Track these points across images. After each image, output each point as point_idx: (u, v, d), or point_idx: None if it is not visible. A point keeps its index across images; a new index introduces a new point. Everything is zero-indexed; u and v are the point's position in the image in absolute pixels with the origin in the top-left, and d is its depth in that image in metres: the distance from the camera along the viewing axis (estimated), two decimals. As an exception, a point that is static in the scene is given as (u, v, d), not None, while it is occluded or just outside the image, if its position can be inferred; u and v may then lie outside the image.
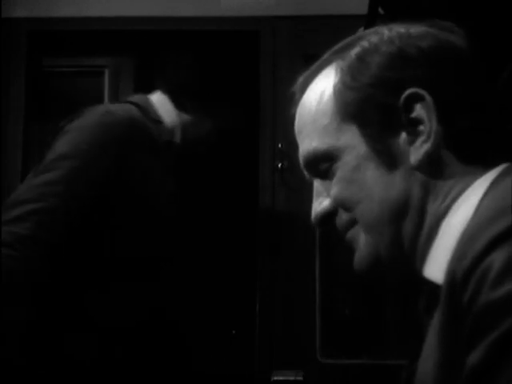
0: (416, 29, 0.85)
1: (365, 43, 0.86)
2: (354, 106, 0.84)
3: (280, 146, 2.37)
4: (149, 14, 2.47)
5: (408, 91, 0.81)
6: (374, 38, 0.87)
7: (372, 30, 0.88)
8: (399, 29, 0.86)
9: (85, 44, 2.53)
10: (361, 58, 0.86)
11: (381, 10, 1.37)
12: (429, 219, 0.82)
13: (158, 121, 1.78)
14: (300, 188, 2.43)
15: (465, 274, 0.68)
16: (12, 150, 2.43)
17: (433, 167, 0.82)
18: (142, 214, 1.66)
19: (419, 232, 0.83)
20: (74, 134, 1.64)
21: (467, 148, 0.81)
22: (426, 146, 0.81)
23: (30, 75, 2.53)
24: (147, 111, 1.77)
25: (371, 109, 0.83)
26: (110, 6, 2.48)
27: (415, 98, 0.81)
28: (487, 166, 0.80)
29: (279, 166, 2.39)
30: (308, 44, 2.55)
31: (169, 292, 1.72)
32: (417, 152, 0.82)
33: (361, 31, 1.44)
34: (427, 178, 0.82)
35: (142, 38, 2.52)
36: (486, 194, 0.76)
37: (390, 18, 1.41)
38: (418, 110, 0.81)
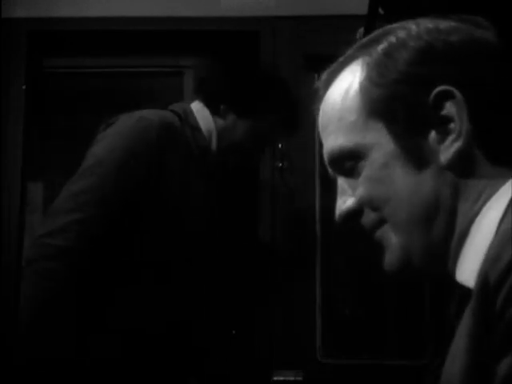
0: (445, 24, 0.82)
1: (392, 38, 0.84)
2: (381, 103, 0.82)
3: (280, 146, 2.37)
4: (151, 14, 2.47)
5: (438, 88, 0.79)
6: (402, 33, 0.84)
7: (399, 24, 0.85)
8: (427, 24, 0.83)
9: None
10: (388, 53, 0.83)
11: (381, 11, 1.37)
12: (460, 220, 0.80)
13: (196, 128, 1.83)
14: (300, 188, 2.43)
15: (499, 277, 0.66)
16: (12, 149, 2.43)
17: (463, 167, 0.79)
18: (170, 218, 1.69)
19: (450, 233, 0.81)
20: (110, 139, 1.68)
21: (498, 148, 0.79)
22: (457, 145, 0.79)
23: (31, 75, 2.53)
24: (187, 118, 1.82)
25: (399, 106, 0.81)
26: (110, 5, 2.48)
27: (445, 96, 0.79)
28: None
29: (279, 165, 2.39)
30: (308, 44, 2.55)
31: (185, 294, 1.73)
32: (447, 151, 0.79)
33: (361, 32, 1.45)
34: (457, 178, 0.80)
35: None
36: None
37: (390, 18, 1.41)
38: (449, 108, 0.79)
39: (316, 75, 2.61)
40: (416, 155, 0.81)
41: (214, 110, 1.87)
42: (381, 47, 0.85)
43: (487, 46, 0.79)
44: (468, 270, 0.77)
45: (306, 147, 2.41)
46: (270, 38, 2.56)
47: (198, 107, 1.89)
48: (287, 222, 2.46)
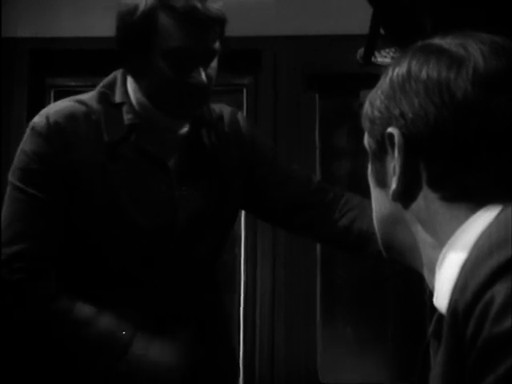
0: (418, 65, 0.85)
1: (389, 71, 0.89)
2: (368, 122, 0.89)
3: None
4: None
5: (387, 130, 0.84)
6: (383, 77, 0.90)
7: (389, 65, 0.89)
8: (402, 68, 0.86)
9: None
10: (371, 94, 0.90)
11: (382, 31, 1.38)
12: (425, 247, 0.85)
13: (116, 104, 1.57)
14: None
15: (467, 307, 0.68)
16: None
17: (412, 203, 0.84)
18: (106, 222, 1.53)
19: (417, 256, 0.86)
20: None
21: (449, 187, 0.82)
22: (394, 186, 0.84)
23: (33, 94, 2.54)
24: (107, 98, 1.57)
25: (373, 130, 0.88)
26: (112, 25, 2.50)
27: (391, 137, 0.84)
28: (476, 204, 0.80)
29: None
30: (309, 64, 2.57)
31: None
32: (391, 187, 0.85)
33: (361, 52, 1.46)
34: (410, 210, 0.85)
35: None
36: (484, 229, 0.76)
37: (391, 38, 1.42)
38: (393, 150, 0.84)
39: (316, 95, 2.63)
40: (380, 177, 0.88)
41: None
42: (383, 76, 0.91)
43: (449, 91, 0.81)
44: (441, 296, 0.80)
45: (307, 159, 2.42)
46: (272, 57, 2.58)
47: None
48: (288, 241, 2.46)
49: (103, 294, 1.53)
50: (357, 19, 1.62)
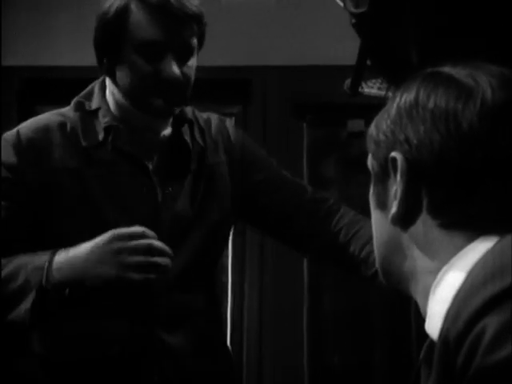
0: (426, 93, 0.85)
1: (397, 96, 0.89)
2: (373, 144, 0.90)
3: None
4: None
5: (390, 154, 0.85)
6: (390, 103, 0.90)
7: (396, 92, 0.90)
8: (410, 95, 0.87)
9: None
10: (377, 119, 0.91)
11: (369, 62, 1.39)
12: (420, 271, 0.85)
13: (92, 111, 1.56)
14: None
15: (458, 336, 0.68)
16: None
17: (411, 227, 0.85)
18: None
19: (414, 280, 0.86)
20: None
21: (449, 214, 0.82)
22: (394, 209, 0.85)
23: (22, 120, 2.55)
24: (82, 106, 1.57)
25: (377, 153, 0.89)
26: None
27: (394, 161, 0.84)
28: (474, 233, 0.80)
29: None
30: (297, 93, 2.59)
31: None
32: (391, 210, 0.85)
33: (348, 83, 1.47)
34: (408, 234, 0.86)
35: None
36: (480, 258, 0.76)
37: (378, 69, 1.44)
38: (395, 174, 0.84)
39: (304, 124, 2.65)
40: (381, 200, 0.88)
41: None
42: (391, 99, 0.91)
43: (456, 121, 0.81)
44: (433, 323, 0.80)
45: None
46: (261, 86, 2.60)
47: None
48: (276, 268, 2.46)
49: (87, 302, 1.48)
50: (344, 50, 1.64)
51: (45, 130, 1.53)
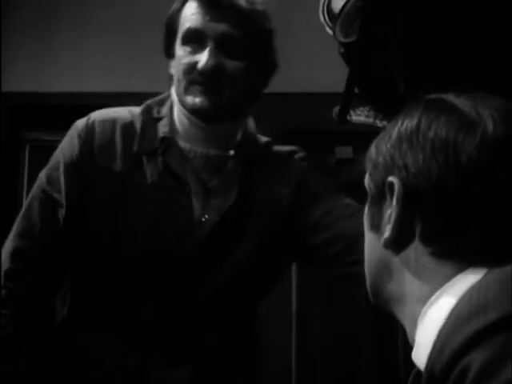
0: (428, 121, 0.86)
1: (399, 121, 0.89)
2: (371, 165, 0.90)
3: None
4: (137, 90, 2.52)
5: (388, 178, 0.85)
6: (391, 127, 0.90)
7: (398, 119, 0.89)
8: (412, 121, 0.87)
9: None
10: (387, 131, 0.90)
11: (357, 90, 1.41)
12: (409, 297, 0.85)
13: (158, 118, 1.54)
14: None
15: (444, 369, 0.69)
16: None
17: (403, 252, 0.85)
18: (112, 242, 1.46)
19: (401, 303, 0.87)
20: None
21: (441, 242, 0.83)
22: (387, 234, 0.85)
23: (7, 147, 2.55)
24: (150, 111, 1.55)
25: (374, 175, 0.89)
26: (102, 81, 2.52)
27: (391, 186, 0.85)
28: (464, 263, 0.81)
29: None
30: (288, 120, 2.60)
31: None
32: (383, 234, 0.86)
33: (336, 110, 1.48)
34: (399, 259, 0.86)
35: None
36: (466, 291, 0.77)
37: (366, 97, 1.45)
38: (392, 198, 0.85)
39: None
40: (375, 222, 0.89)
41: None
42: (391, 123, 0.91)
43: (455, 153, 0.81)
44: (420, 352, 0.80)
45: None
46: (251, 112, 2.61)
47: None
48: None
49: (98, 312, 1.46)
50: (333, 78, 1.66)
51: (111, 124, 1.51)
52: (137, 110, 1.55)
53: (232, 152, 1.52)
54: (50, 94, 2.61)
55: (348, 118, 1.54)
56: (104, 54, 2.73)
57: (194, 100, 1.45)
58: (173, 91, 1.53)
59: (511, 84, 1.18)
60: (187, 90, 1.45)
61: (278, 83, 2.66)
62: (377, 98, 1.40)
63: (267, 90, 2.64)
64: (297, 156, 1.60)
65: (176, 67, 1.48)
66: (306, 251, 1.54)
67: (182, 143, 1.51)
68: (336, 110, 1.48)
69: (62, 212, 1.47)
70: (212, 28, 1.43)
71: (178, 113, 1.52)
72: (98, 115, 1.53)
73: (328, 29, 1.52)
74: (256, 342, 1.64)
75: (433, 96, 0.89)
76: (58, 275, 1.51)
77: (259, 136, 1.59)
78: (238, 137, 1.54)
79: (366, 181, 0.91)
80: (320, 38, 1.45)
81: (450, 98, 0.87)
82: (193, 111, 1.47)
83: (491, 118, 0.82)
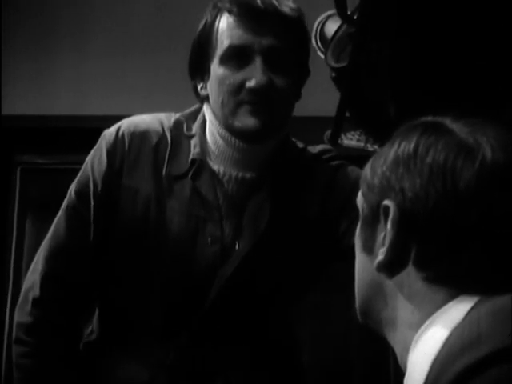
0: (426, 145, 0.84)
1: (396, 143, 0.87)
2: (366, 187, 0.89)
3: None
4: (125, 112, 2.52)
5: (383, 202, 0.84)
6: (387, 150, 0.89)
7: (392, 142, 0.88)
8: (410, 144, 0.86)
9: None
10: (383, 153, 0.89)
11: (348, 114, 1.41)
12: (401, 324, 0.84)
13: (189, 135, 1.43)
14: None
15: None
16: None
17: (396, 276, 0.84)
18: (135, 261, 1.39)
19: (392, 329, 0.85)
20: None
21: (435, 268, 0.82)
22: (380, 257, 0.84)
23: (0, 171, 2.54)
24: (179, 126, 1.44)
25: (369, 197, 0.88)
26: (100, 104, 2.52)
27: (386, 210, 0.84)
28: (456, 290, 0.80)
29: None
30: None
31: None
32: (377, 257, 0.85)
33: (327, 134, 1.49)
34: (392, 282, 0.85)
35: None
36: (458, 323, 0.76)
37: (356, 122, 1.46)
38: (386, 222, 0.84)
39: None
40: (368, 244, 0.87)
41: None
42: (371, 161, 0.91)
43: (453, 179, 0.80)
44: (412, 380, 0.79)
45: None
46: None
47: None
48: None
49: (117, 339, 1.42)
50: (325, 102, 1.66)
51: (141, 139, 1.41)
52: (167, 120, 1.45)
53: (268, 173, 1.40)
54: (43, 116, 2.60)
55: (339, 141, 1.54)
56: (102, 77, 2.73)
57: (245, 122, 1.33)
58: (207, 111, 1.41)
59: (492, 106, 1.19)
60: (235, 113, 1.33)
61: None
62: (368, 122, 1.40)
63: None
64: (325, 157, 1.48)
65: (216, 88, 1.35)
66: (341, 253, 1.40)
67: (214, 165, 1.39)
68: (327, 133, 1.48)
69: (90, 230, 1.40)
70: (258, 42, 1.31)
71: (211, 132, 1.40)
72: (128, 126, 1.43)
73: (320, 53, 1.53)
74: (294, 354, 1.56)
75: (430, 119, 0.88)
76: (88, 299, 1.45)
77: (294, 145, 1.48)
78: (275, 154, 1.42)
79: (359, 201, 0.90)
80: (311, 61, 1.45)
81: (448, 122, 0.86)
82: (242, 133, 1.35)
83: (489, 145, 0.81)
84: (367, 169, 0.89)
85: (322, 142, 1.52)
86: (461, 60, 1.19)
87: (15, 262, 2.81)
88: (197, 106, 1.46)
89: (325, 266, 1.50)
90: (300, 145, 1.49)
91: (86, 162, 1.44)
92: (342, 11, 1.24)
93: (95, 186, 1.40)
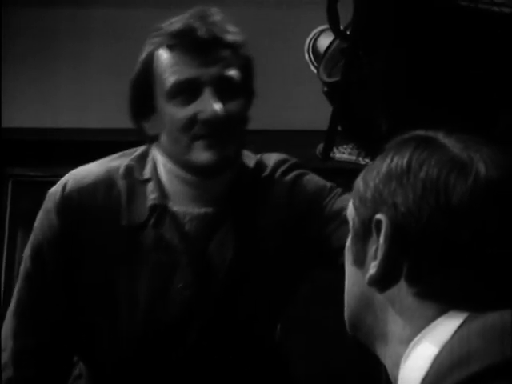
0: (420, 160, 0.84)
1: (389, 156, 0.87)
2: (358, 199, 0.88)
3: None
4: (118, 125, 2.52)
5: (375, 216, 0.84)
6: (380, 163, 0.88)
7: (386, 154, 0.88)
8: (403, 158, 0.85)
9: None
10: (375, 166, 0.89)
11: (340, 128, 1.42)
12: (392, 338, 0.84)
13: (145, 180, 1.38)
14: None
15: None
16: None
17: (387, 290, 0.84)
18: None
19: (382, 343, 0.85)
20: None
21: (427, 284, 0.82)
22: (372, 271, 0.83)
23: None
24: (132, 171, 1.38)
25: (361, 210, 0.87)
26: (83, 117, 2.52)
27: (378, 223, 0.83)
28: (446, 306, 0.80)
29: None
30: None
31: None
32: (368, 271, 0.84)
33: (320, 148, 1.50)
34: (383, 297, 0.84)
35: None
36: (447, 340, 0.76)
37: (348, 135, 1.47)
38: (379, 236, 0.83)
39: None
40: (360, 258, 0.87)
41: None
42: (362, 174, 0.90)
43: (446, 195, 0.80)
44: None
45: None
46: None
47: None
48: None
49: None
50: (317, 115, 1.67)
51: (90, 192, 1.35)
52: (115, 167, 1.39)
53: (227, 206, 1.37)
54: (37, 129, 2.61)
55: (331, 155, 1.55)
56: (102, 91, 2.74)
57: (201, 157, 1.29)
58: (155, 151, 1.37)
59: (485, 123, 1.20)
60: (190, 148, 1.29)
61: (260, 121, 2.69)
62: (360, 136, 1.41)
63: (251, 128, 2.67)
64: (280, 170, 1.46)
65: (167, 126, 1.31)
66: (321, 259, 1.42)
67: (174, 207, 1.36)
68: (320, 147, 1.48)
69: (55, 294, 1.37)
70: (206, 73, 1.28)
71: (165, 174, 1.36)
72: (72, 183, 1.36)
73: (312, 67, 1.54)
74: (281, 357, 1.56)
75: (422, 133, 0.87)
76: (66, 362, 1.43)
77: (248, 168, 1.42)
78: (232, 185, 1.38)
79: (350, 214, 0.90)
80: (302, 75, 1.46)
81: (440, 137, 0.86)
82: (198, 169, 1.32)
83: (483, 161, 0.81)
84: (359, 181, 0.89)
85: (314, 156, 1.53)
86: (456, 68, 1.19)
87: (6, 274, 2.80)
88: (142, 148, 1.41)
89: (300, 278, 1.48)
90: (252, 161, 1.44)
91: (35, 226, 1.39)
92: (334, 26, 1.25)
93: (50, 250, 1.35)
